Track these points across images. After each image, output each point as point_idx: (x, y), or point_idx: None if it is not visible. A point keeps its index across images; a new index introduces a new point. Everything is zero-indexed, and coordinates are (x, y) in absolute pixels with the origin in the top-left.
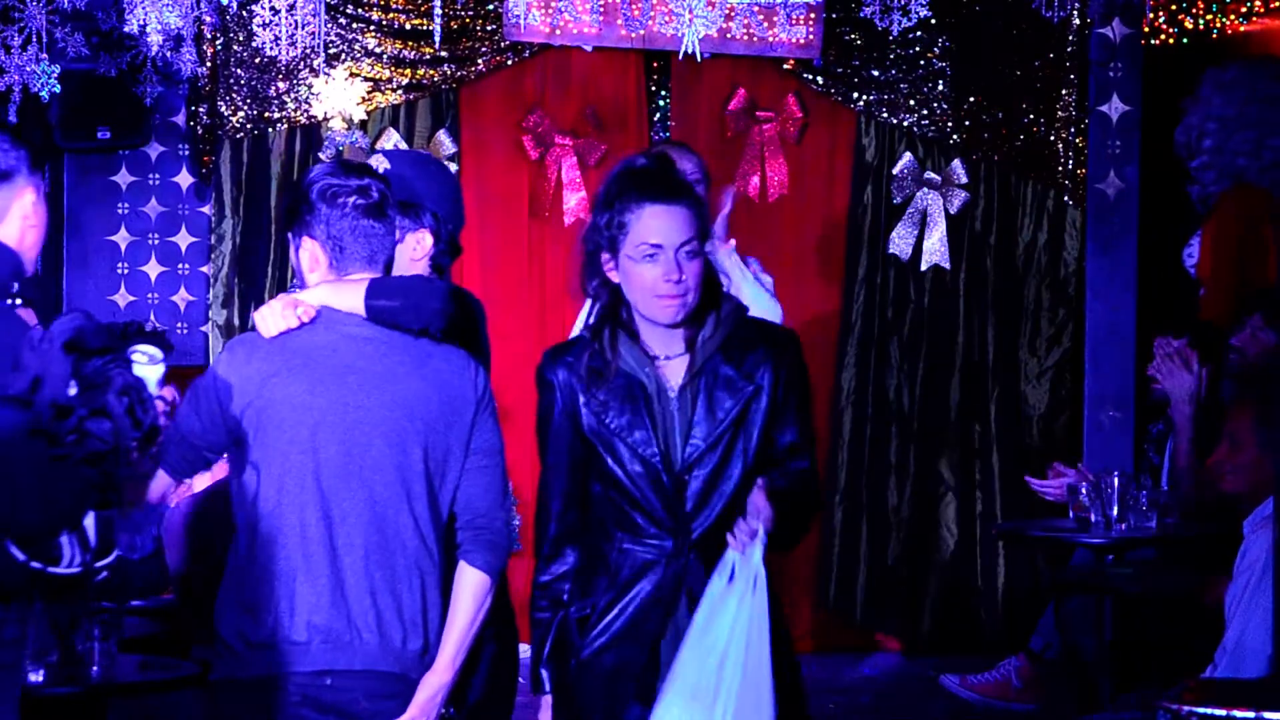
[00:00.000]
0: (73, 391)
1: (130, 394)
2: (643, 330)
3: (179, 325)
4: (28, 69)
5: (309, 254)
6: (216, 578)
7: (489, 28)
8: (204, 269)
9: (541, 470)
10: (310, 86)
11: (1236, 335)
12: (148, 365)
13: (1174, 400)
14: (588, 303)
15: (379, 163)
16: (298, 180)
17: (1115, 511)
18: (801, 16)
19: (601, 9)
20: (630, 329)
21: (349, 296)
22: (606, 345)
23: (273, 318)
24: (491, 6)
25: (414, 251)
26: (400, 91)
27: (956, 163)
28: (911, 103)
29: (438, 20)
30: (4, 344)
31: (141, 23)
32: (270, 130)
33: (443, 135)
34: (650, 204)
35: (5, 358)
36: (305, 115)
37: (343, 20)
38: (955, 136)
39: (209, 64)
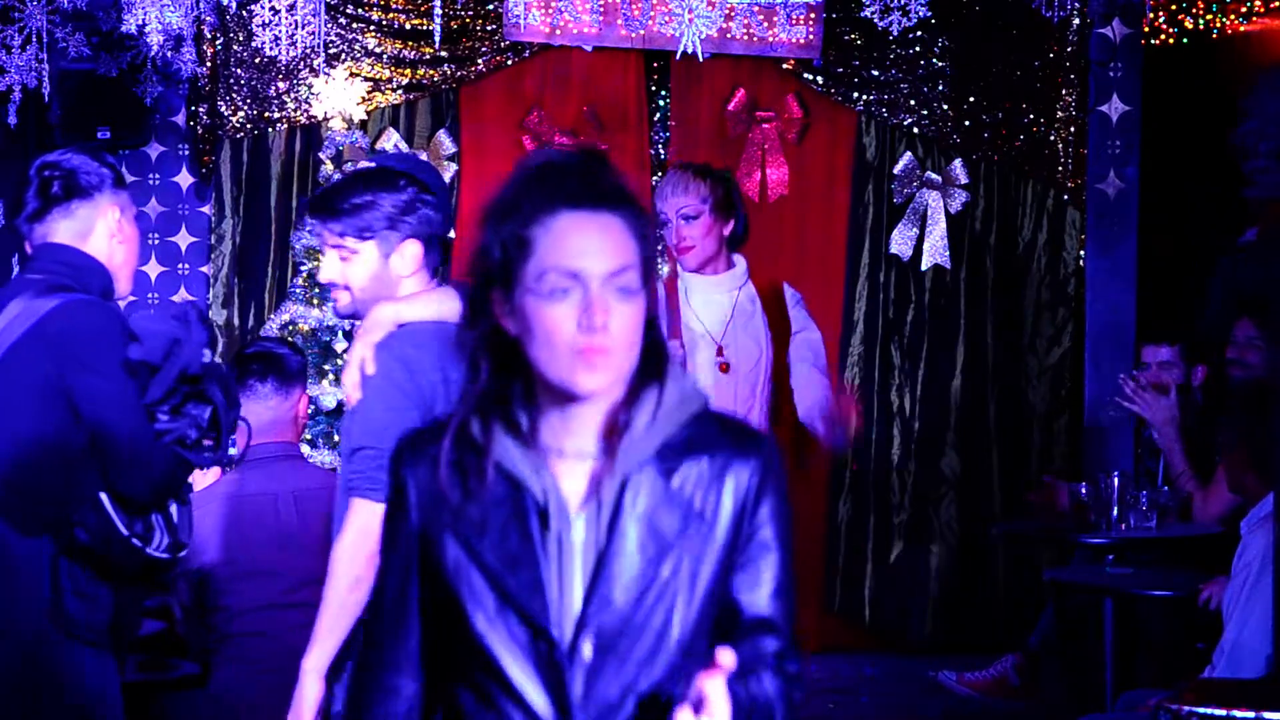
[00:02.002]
0: (206, 359)
1: (227, 387)
2: (544, 410)
3: None
4: (28, 69)
5: (412, 257)
6: (253, 578)
7: (489, 28)
8: (204, 269)
9: (370, 619)
10: (310, 86)
11: (1230, 347)
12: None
13: (1155, 425)
14: None
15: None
16: (402, 179)
17: (1115, 512)
18: (801, 16)
19: (601, 9)
20: (521, 409)
21: (453, 304)
22: (477, 431)
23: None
24: (491, 6)
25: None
26: (400, 91)
27: (956, 163)
28: (911, 103)
29: (438, 20)
30: (111, 331)
31: (141, 23)
32: (270, 130)
33: (443, 135)
34: (566, 211)
35: (115, 343)
36: (305, 115)
37: (343, 20)
38: (955, 136)
39: (209, 64)
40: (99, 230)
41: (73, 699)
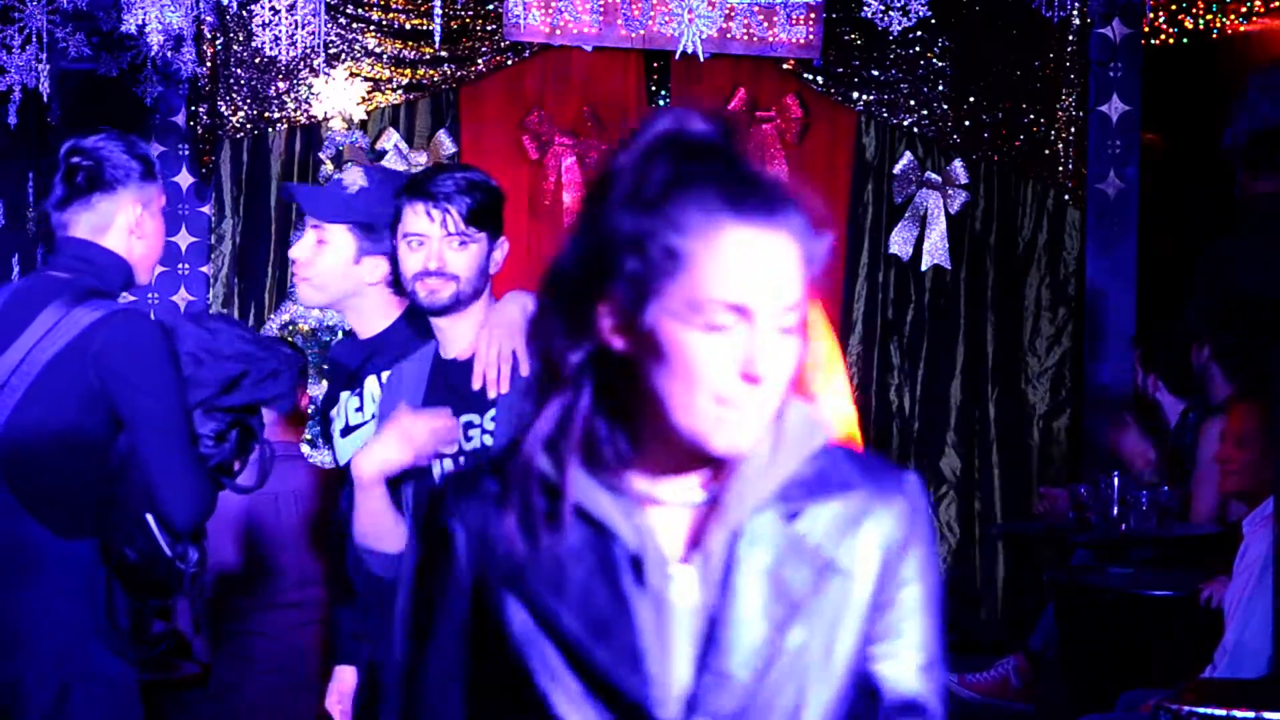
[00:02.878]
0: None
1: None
2: (646, 448)
3: None
4: (28, 69)
5: (504, 255)
6: (254, 578)
7: (489, 28)
8: (204, 269)
9: (401, 709)
10: (310, 86)
11: (1194, 353)
12: None
13: (1135, 470)
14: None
15: (355, 179)
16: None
17: (1115, 511)
18: (801, 16)
19: (601, 9)
20: (609, 445)
21: None
22: (548, 468)
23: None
24: (491, 6)
25: (370, 275)
26: (400, 91)
27: (956, 163)
28: (911, 103)
29: (438, 20)
30: (157, 347)
31: (141, 23)
32: (270, 130)
33: (443, 135)
34: (733, 222)
35: (161, 360)
36: (305, 115)
37: (343, 20)
38: (955, 136)
39: (209, 64)
40: (118, 224)
41: (100, 702)
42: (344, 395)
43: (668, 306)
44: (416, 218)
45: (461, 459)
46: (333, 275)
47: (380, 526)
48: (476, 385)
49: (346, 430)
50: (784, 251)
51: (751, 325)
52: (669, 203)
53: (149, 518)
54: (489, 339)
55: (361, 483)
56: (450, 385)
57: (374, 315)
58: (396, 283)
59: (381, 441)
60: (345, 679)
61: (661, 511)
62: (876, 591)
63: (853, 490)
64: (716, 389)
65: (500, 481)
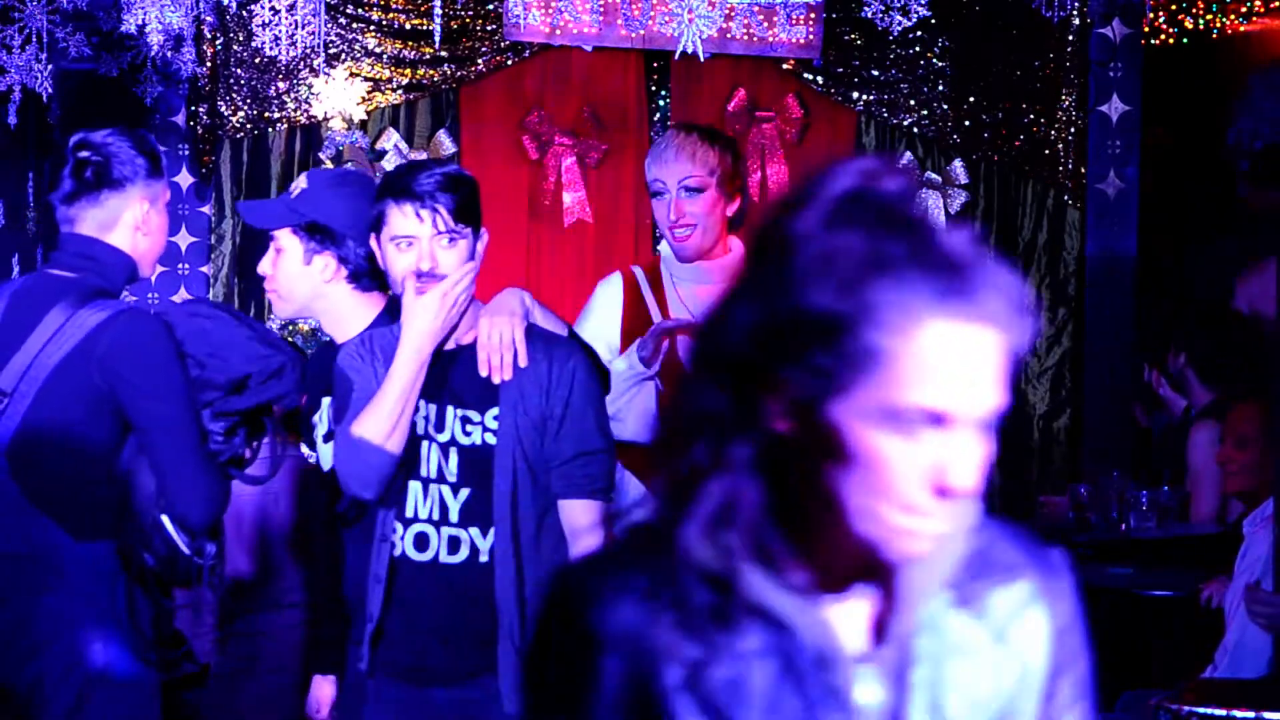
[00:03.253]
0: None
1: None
2: (817, 538)
3: None
4: (28, 69)
5: (484, 249)
6: (259, 578)
7: (489, 28)
8: (204, 269)
9: None
10: (310, 86)
11: (1171, 359)
12: None
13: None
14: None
15: (298, 184)
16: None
17: (1115, 511)
18: (801, 16)
19: (601, 9)
20: (774, 533)
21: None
22: (712, 559)
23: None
24: (491, 6)
25: (323, 274)
26: (400, 91)
27: (956, 163)
28: (911, 103)
29: (438, 20)
30: (160, 348)
31: (141, 23)
32: (270, 130)
33: (443, 135)
34: (936, 316)
35: (166, 362)
36: (305, 115)
37: (343, 20)
38: (955, 136)
39: (209, 64)
40: (124, 221)
41: (119, 704)
42: (325, 401)
43: (855, 406)
44: (405, 219)
45: (454, 450)
46: (291, 282)
47: (406, 410)
48: (483, 373)
49: (329, 436)
50: (989, 347)
51: (949, 432)
52: (866, 287)
53: (164, 519)
54: (490, 327)
55: (420, 351)
56: (442, 379)
57: (346, 318)
58: (356, 277)
59: (423, 309)
60: (324, 688)
61: (835, 605)
62: (1048, 680)
63: (1019, 572)
64: (904, 499)
65: (650, 575)
